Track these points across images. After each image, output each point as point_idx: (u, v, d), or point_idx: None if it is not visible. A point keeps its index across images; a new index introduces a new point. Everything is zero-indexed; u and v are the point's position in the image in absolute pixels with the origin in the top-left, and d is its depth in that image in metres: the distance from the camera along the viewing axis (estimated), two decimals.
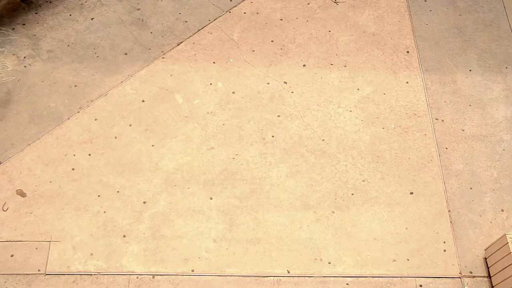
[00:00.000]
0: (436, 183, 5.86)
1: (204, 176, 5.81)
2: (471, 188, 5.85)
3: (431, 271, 5.34)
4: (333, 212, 5.63)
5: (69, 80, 6.41)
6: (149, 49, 6.73)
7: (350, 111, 6.35)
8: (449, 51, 6.92)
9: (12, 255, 5.24)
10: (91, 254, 5.29)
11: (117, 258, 5.29)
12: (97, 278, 5.18)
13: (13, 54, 6.56)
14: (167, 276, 5.21)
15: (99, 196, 5.63)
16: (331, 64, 6.73)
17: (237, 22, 7.03)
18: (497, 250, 5.07)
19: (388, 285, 5.25)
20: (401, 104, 6.42)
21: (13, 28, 6.78)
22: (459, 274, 5.34)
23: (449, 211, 5.70)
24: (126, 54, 6.67)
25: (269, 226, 5.52)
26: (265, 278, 5.25)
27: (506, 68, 6.79)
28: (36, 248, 5.30)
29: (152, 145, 5.98)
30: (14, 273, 5.16)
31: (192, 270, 5.25)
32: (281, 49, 6.82)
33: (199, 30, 6.95)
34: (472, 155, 6.08)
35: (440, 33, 7.08)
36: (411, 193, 5.79)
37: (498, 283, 5.04)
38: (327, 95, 6.44)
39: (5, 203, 5.54)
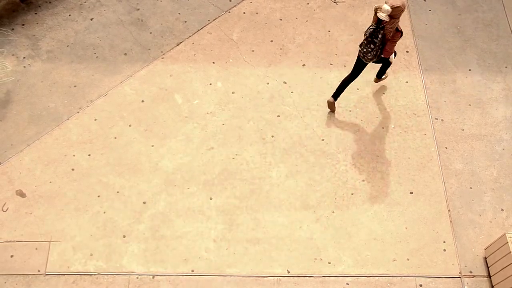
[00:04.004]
0: (436, 182, 5.86)
1: (204, 176, 5.80)
2: (471, 188, 5.85)
3: (431, 271, 5.34)
4: (333, 212, 5.63)
5: (69, 80, 6.41)
6: (149, 49, 6.73)
7: (350, 110, 6.35)
8: (449, 50, 6.92)
9: (12, 256, 5.24)
10: (91, 255, 5.29)
11: (117, 258, 5.29)
12: (97, 278, 5.18)
13: (13, 55, 6.56)
14: (167, 276, 5.21)
15: (99, 196, 5.63)
16: (331, 64, 6.72)
17: (237, 22, 7.03)
18: (497, 250, 5.07)
19: (388, 284, 5.25)
20: (400, 104, 6.42)
21: (13, 29, 6.78)
22: (459, 274, 5.34)
23: (449, 210, 5.70)
24: (125, 54, 6.67)
25: (269, 226, 5.52)
26: (265, 278, 5.25)
27: (506, 67, 6.79)
28: (36, 249, 5.29)
29: (152, 145, 5.98)
30: (14, 273, 5.15)
31: (192, 270, 5.25)
32: (281, 49, 6.82)
33: (198, 30, 6.95)
34: (471, 155, 6.08)
35: (439, 33, 7.07)
36: (411, 192, 5.79)
37: (498, 283, 5.04)
38: (326, 95, 6.43)
39: (5, 204, 5.54)
